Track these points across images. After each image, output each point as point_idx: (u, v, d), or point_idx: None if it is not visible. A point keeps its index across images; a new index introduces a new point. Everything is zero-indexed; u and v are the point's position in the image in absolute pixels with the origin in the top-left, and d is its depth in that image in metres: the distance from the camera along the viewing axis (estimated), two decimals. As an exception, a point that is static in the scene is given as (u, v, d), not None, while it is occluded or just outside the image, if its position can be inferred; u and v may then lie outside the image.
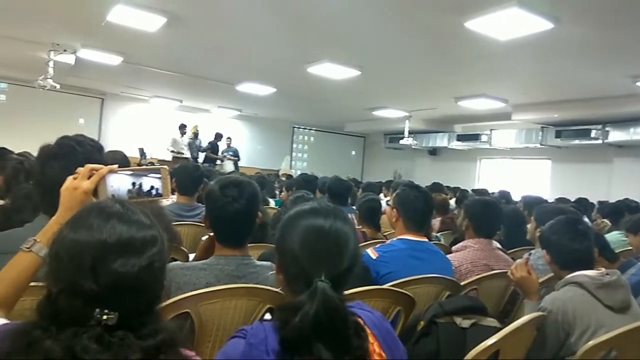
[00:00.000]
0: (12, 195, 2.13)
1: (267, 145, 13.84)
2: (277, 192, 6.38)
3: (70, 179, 1.15)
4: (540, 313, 1.69)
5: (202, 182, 3.49)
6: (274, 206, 5.08)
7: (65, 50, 6.95)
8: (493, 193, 7.06)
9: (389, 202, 2.42)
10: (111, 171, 1.18)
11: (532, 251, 2.48)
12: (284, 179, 8.87)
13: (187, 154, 10.20)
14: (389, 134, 13.19)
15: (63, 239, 0.84)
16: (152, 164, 9.11)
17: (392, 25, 5.02)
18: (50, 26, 6.04)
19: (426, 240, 2.24)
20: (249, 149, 12.69)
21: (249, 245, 1.76)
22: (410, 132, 11.05)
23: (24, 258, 1.08)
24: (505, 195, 6.46)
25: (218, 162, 11.00)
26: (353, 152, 15.63)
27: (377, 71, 7.03)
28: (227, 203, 1.63)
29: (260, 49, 6.44)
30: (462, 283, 2.16)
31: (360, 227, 3.14)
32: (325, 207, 1.12)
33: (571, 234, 1.89)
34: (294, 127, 14.64)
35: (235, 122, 13.29)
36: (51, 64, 7.10)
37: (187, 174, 3.37)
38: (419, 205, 2.19)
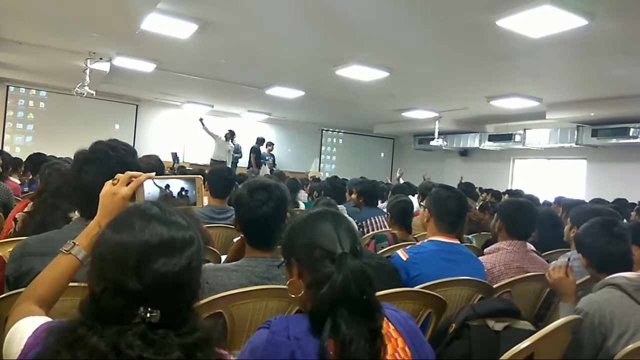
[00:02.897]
0: (45, 200, 2.22)
1: (296, 148, 13.92)
2: (306, 194, 6.44)
3: (109, 184, 1.19)
4: (576, 316, 1.64)
5: (233, 186, 3.55)
6: (303, 208, 5.12)
7: (101, 59, 7.16)
8: (529, 195, 6.89)
9: (422, 204, 2.40)
10: (148, 178, 1.23)
11: (568, 253, 2.42)
12: (311, 180, 8.94)
13: (226, 159, 10.35)
14: (419, 135, 13.05)
15: (106, 240, 0.88)
16: (184, 167, 9.33)
17: (421, 25, 4.98)
18: (87, 36, 6.25)
19: (458, 242, 2.21)
20: (278, 152, 12.77)
21: (279, 247, 1.78)
22: (440, 133, 10.91)
23: (64, 260, 1.12)
24: (532, 200, 6.29)
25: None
26: (382, 154, 15.54)
27: (407, 72, 6.98)
28: (256, 207, 1.66)
29: (289, 53, 6.50)
30: (494, 286, 2.12)
31: (391, 228, 3.13)
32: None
33: (607, 237, 1.84)
34: (323, 130, 14.67)
35: (265, 125, 13.42)
36: (88, 72, 7.32)
37: (220, 178, 3.42)
38: (452, 207, 2.16)
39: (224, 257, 2.07)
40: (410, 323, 1.13)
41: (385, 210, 3.87)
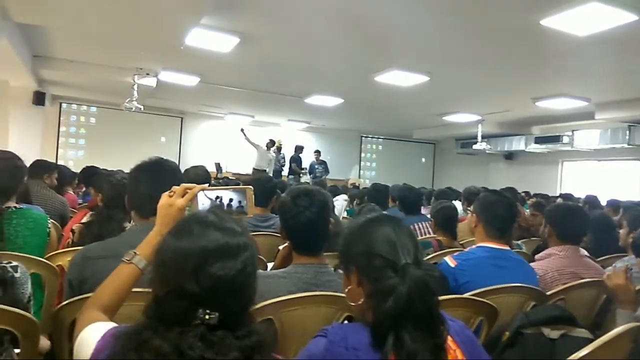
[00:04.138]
0: (101, 212, 2.34)
1: (336, 155, 13.95)
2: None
3: (165, 196, 1.26)
4: (636, 323, 1.57)
5: (275, 194, 3.60)
6: (346, 215, 5.12)
7: (147, 74, 7.46)
8: (579, 198, 6.65)
9: (469, 209, 2.36)
10: (202, 190, 1.29)
11: (625, 258, 2.32)
12: (351, 187, 8.93)
13: (268, 168, 10.51)
14: (461, 139, 12.82)
15: (167, 247, 0.93)
16: (227, 178, 9.53)
17: (460, 28, 4.91)
18: (134, 52, 6.54)
19: (508, 248, 2.16)
20: (313, 160, 12.84)
21: (324, 254, 1.80)
22: (483, 136, 10.68)
23: (125, 269, 1.19)
24: (591, 200, 6.06)
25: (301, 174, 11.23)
26: (423, 159, 15.35)
27: (447, 76, 6.90)
28: (299, 212, 1.68)
29: (328, 62, 6.55)
30: (548, 293, 2.06)
31: (435, 235, 3.09)
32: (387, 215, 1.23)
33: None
34: (362, 137, 14.65)
35: (304, 134, 13.54)
36: (135, 87, 7.64)
37: (261, 186, 3.48)
38: (501, 211, 2.11)
39: (270, 265, 2.10)
40: (467, 333, 1.11)
41: (428, 216, 3.82)
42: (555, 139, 10.43)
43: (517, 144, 11.39)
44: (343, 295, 1.60)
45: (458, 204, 4.67)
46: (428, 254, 2.82)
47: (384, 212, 1.27)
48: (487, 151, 11.32)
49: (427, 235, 3.41)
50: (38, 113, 9.13)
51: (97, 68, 7.56)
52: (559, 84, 7.09)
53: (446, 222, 3.04)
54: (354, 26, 5.04)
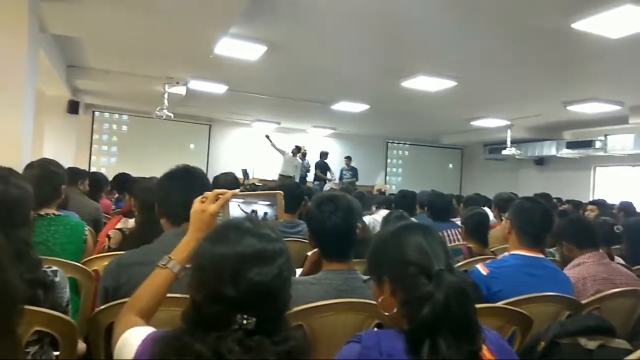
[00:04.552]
0: (144, 220, 2.38)
1: (361, 161, 13.87)
2: (374, 207, 6.37)
3: (197, 202, 1.28)
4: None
5: (302, 200, 3.61)
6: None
7: (177, 83, 7.62)
8: (613, 205, 6.45)
9: (503, 216, 2.31)
10: (234, 195, 1.30)
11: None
12: (377, 193, 8.89)
13: (294, 174, 10.57)
14: (489, 145, 12.61)
15: (205, 252, 0.95)
16: (255, 184, 9.62)
17: (489, 32, 4.85)
18: (164, 62, 6.69)
19: (542, 256, 2.11)
20: (343, 166, 12.86)
21: (353, 260, 1.80)
22: (512, 142, 10.49)
23: (161, 274, 1.21)
24: (626, 207, 5.87)
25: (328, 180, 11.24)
26: (450, 165, 15.16)
27: (475, 80, 6.82)
28: (325, 218, 1.69)
29: (354, 68, 6.56)
30: (583, 301, 2.00)
31: (466, 242, 3.04)
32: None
33: None
34: (388, 142, 14.58)
35: (329, 140, 13.56)
36: (166, 95, 7.82)
37: (289, 192, 3.49)
38: (535, 219, 2.06)
39: (298, 271, 2.11)
40: (502, 342, 1.09)
41: (457, 222, 3.77)
42: (588, 144, 10.14)
43: (548, 149, 11.12)
44: (373, 302, 1.61)
45: (487, 211, 4.58)
46: (458, 262, 2.78)
47: (412, 219, 1.26)
48: (517, 157, 11.10)
49: (457, 243, 3.36)
50: (72, 121, 9.40)
51: (128, 77, 7.77)
52: (591, 87, 6.92)
53: (477, 229, 2.98)
54: (381, 32, 5.04)
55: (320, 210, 1.71)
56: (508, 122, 9.90)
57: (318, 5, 4.41)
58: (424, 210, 4.31)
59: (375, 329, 1.53)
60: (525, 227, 2.07)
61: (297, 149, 10.83)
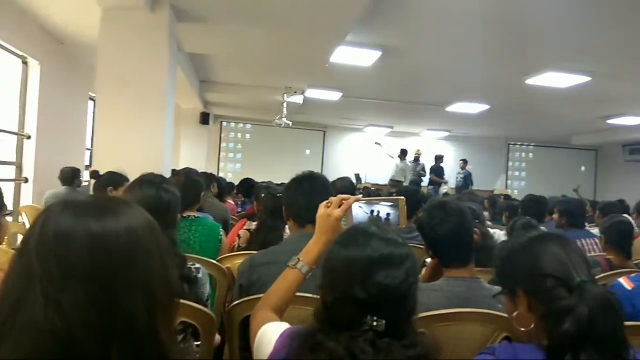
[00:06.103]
0: (265, 221, 2.58)
1: (479, 164, 13.24)
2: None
3: (323, 206, 1.35)
4: None
5: (420, 206, 3.55)
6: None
7: (295, 92, 7.99)
8: None
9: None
10: (357, 201, 1.35)
11: None
12: (501, 198, 8.39)
13: (404, 178, 10.48)
14: (629, 145, 11.32)
15: (335, 255, 0.99)
16: (368, 188, 9.69)
17: (628, 19, 4.35)
18: (284, 73, 7.06)
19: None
20: (459, 170, 12.43)
21: (475, 269, 1.74)
22: (658, 141, 9.31)
23: (291, 273, 1.29)
24: None
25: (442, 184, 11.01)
26: (582, 168, 13.83)
27: (612, 74, 6.15)
28: (436, 225, 1.67)
29: (473, 68, 6.31)
30: None
31: (605, 253, 2.77)
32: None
33: None
34: (510, 144, 13.76)
35: (444, 142, 13.19)
36: (285, 104, 8.25)
37: (408, 198, 3.46)
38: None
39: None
40: None
41: (594, 232, 3.44)
42: None
43: None
44: (502, 314, 1.53)
45: (630, 219, 4.12)
46: (595, 275, 2.53)
47: (542, 228, 1.18)
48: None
49: (594, 254, 3.07)
50: (203, 131, 10.37)
51: (251, 89, 8.34)
52: None
53: (620, 239, 2.68)
54: (502, 28, 4.79)
55: (430, 218, 1.70)
56: (653, 120, 8.80)
57: (435, 6, 4.33)
58: (555, 217, 3.97)
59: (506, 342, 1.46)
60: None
61: (403, 153, 10.68)
